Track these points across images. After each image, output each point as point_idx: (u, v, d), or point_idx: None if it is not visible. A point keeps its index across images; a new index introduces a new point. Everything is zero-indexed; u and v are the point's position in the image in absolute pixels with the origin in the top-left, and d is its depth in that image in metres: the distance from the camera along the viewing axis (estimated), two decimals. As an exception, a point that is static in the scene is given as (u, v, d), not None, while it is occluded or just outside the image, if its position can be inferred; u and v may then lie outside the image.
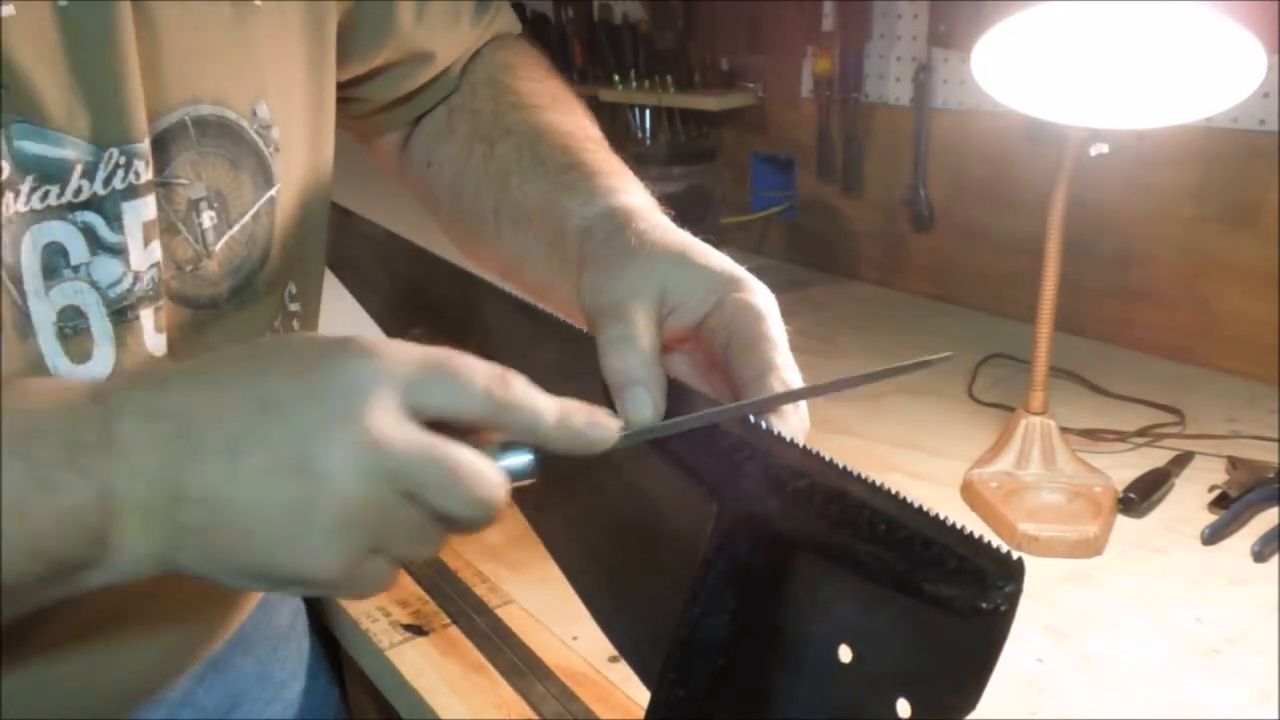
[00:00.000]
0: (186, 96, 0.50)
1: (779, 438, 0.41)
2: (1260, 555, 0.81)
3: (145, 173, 0.48)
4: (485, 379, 0.39)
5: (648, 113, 1.70)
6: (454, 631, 0.77)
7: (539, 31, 1.90)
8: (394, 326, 0.67)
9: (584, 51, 1.85)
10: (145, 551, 0.37)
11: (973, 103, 1.36)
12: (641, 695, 0.50)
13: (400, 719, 0.76)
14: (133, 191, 0.47)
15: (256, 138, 0.54)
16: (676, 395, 0.45)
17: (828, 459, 0.39)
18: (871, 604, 0.37)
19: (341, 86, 0.64)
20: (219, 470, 0.36)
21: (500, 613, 0.79)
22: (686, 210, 1.71)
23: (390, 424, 0.37)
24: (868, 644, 0.38)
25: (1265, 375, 1.12)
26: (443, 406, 0.38)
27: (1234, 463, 0.93)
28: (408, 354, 0.38)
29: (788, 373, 0.45)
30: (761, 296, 0.47)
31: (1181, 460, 0.95)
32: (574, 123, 0.63)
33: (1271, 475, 0.89)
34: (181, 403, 0.37)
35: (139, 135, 0.47)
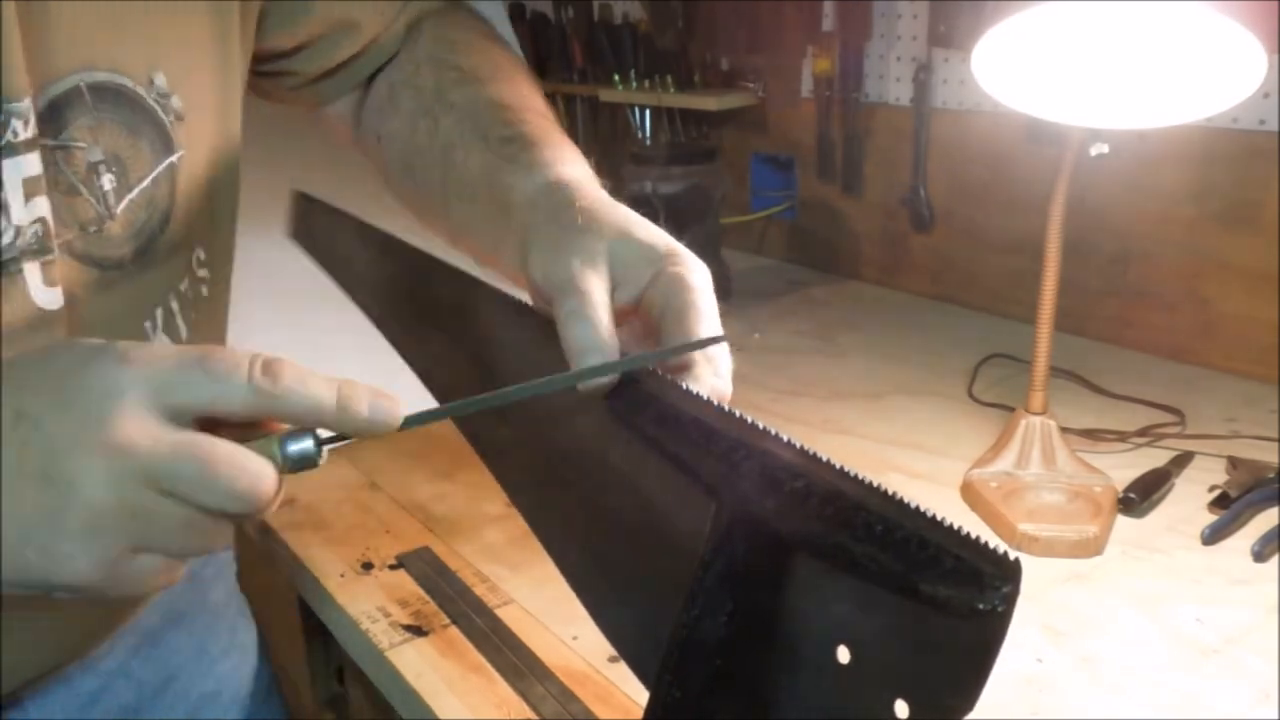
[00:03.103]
0: (79, 63, 0.52)
1: (777, 438, 0.41)
2: (1260, 555, 0.81)
3: (24, 131, 0.50)
4: (248, 371, 0.39)
5: (648, 113, 1.70)
6: (453, 632, 0.77)
7: (539, 31, 1.90)
8: (396, 329, 0.67)
9: (584, 51, 1.85)
10: None
11: (973, 103, 1.36)
12: (641, 695, 0.50)
13: (400, 719, 0.76)
14: (11, 149, 0.49)
15: (155, 105, 0.56)
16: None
17: (825, 459, 0.39)
18: (869, 605, 0.37)
19: (273, 59, 0.67)
20: None
21: (500, 613, 0.79)
22: (686, 210, 1.72)
23: (138, 428, 0.38)
24: (865, 645, 0.38)
25: (1265, 375, 1.12)
26: (206, 403, 0.39)
27: (1234, 463, 0.93)
28: (165, 355, 0.39)
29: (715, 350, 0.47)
30: (695, 270, 0.49)
31: (1181, 460, 0.95)
32: (515, 94, 0.65)
33: (1271, 475, 0.89)
34: None
35: (16, 94, 0.49)
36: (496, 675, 0.72)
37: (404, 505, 0.96)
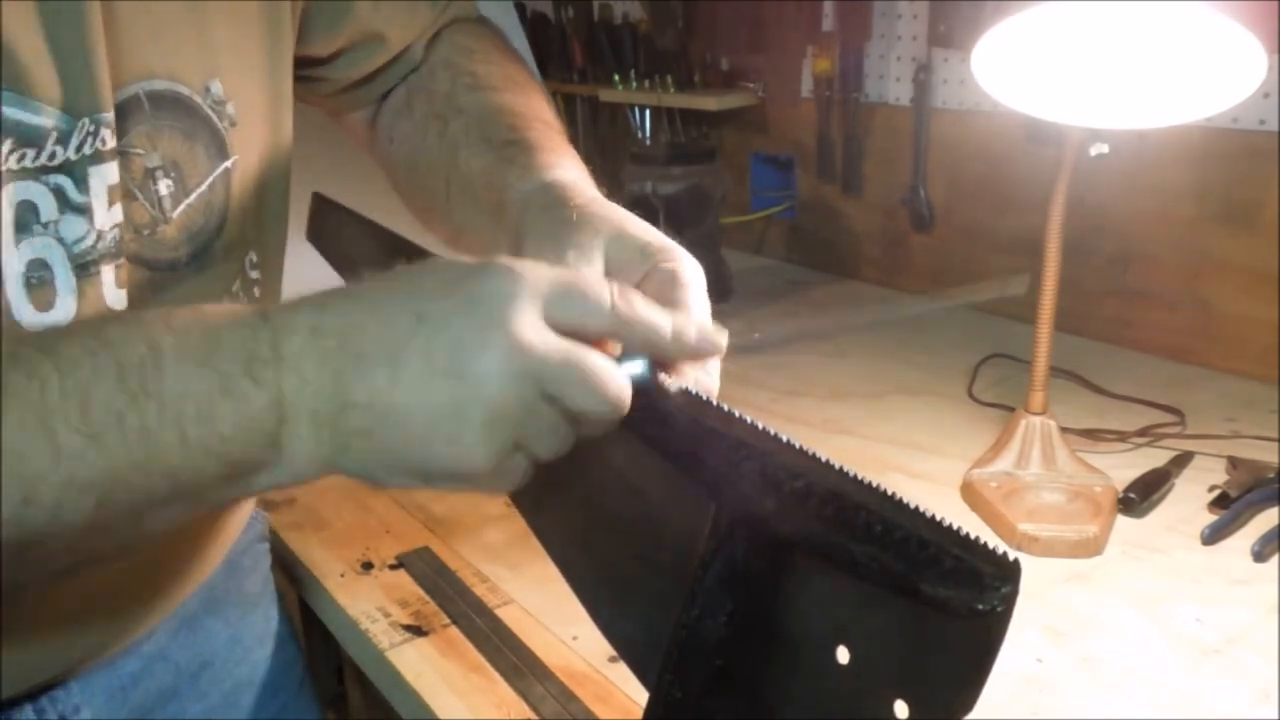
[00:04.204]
0: (141, 71, 0.54)
1: (776, 438, 0.41)
2: (1260, 555, 0.81)
3: (110, 140, 0.52)
4: (612, 297, 0.43)
5: (648, 113, 1.70)
6: (454, 632, 0.77)
7: (539, 31, 1.90)
8: None
9: (584, 51, 1.85)
10: (313, 454, 0.41)
11: (973, 103, 1.36)
12: (641, 695, 0.50)
13: (400, 719, 0.76)
14: (99, 157, 0.52)
15: (210, 113, 0.58)
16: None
17: (825, 459, 0.39)
18: (869, 605, 0.37)
19: (307, 65, 0.68)
20: (381, 378, 0.40)
21: (500, 613, 0.79)
22: (686, 210, 1.71)
23: (533, 331, 0.40)
24: (865, 645, 0.38)
25: (1265, 375, 1.12)
26: (575, 320, 0.42)
27: (1234, 463, 0.93)
28: (544, 272, 0.42)
29: None
30: (687, 266, 0.51)
31: (1181, 460, 0.95)
32: (524, 103, 0.67)
33: (1271, 475, 0.89)
34: (342, 320, 0.41)
35: (106, 105, 0.51)
36: (496, 675, 0.72)
37: (404, 505, 0.96)
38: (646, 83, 1.72)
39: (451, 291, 0.41)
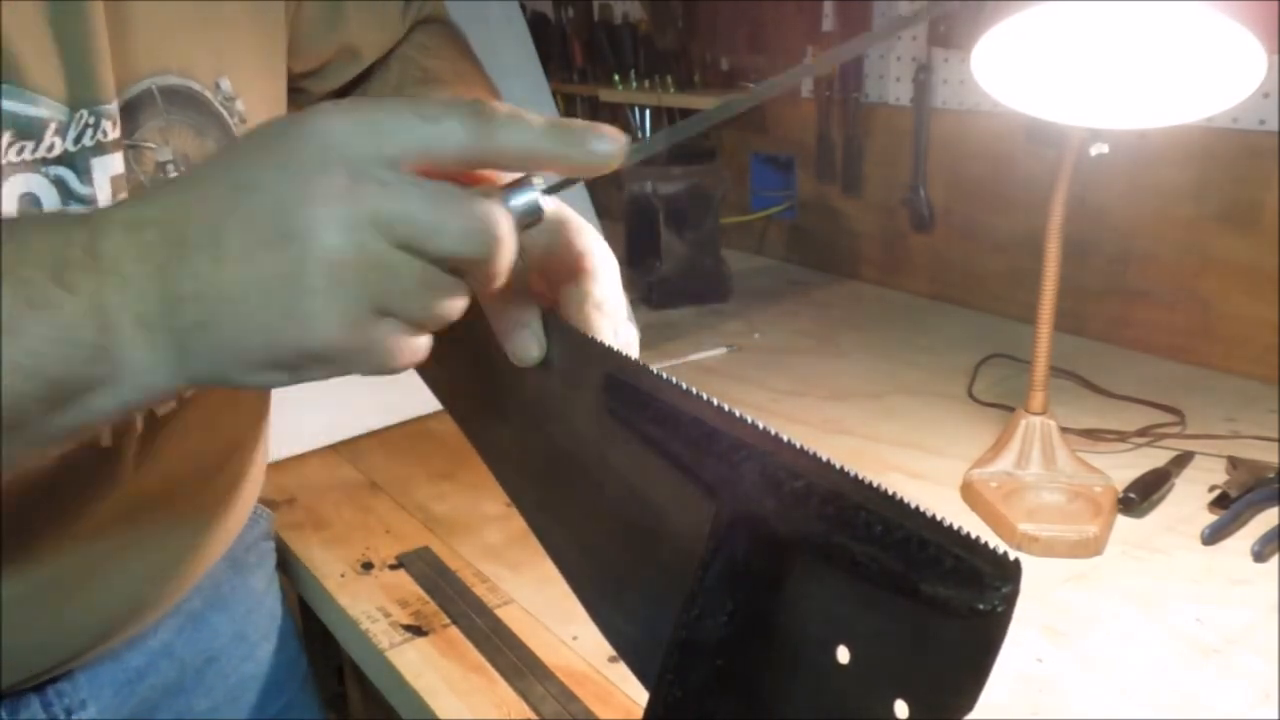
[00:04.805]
0: (155, 67, 0.55)
1: (776, 438, 0.41)
2: (1260, 555, 0.81)
3: (112, 131, 0.52)
4: (461, 108, 0.37)
5: (648, 113, 1.71)
6: (454, 632, 0.77)
7: (539, 31, 1.90)
8: None
9: (584, 51, 1.86)
10: (153, 362, 0.37)
11: (973, 103, 1.36)
12: (641, 695, 0.50)
13: (400, 719, 0.76)
14: (101, 149, 0.52)
15: (221, 109, 0.58)
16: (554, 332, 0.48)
17: (825, 459, 0.39)
18: (869, 605, 0.37)
19: (293, 79, 0.69)
20: (204, 262, 0.36)
21: (500, 613, 0.79)
22: (686, 210, 1.71)
23: (364, 170, 0.36)
24: (865, 645, 0.38)
25: (1265, 375, 1.12)
26: (422, 147, 0.37)
27: (1234, 463, 0.93)
28: (373, 105, 0.37)
29: (608, 303, 0.48)
30: (585, 234, 0.49)
31: (1181, 460, 0.95)
32: (465, 92, 0.68)
33: (1271, 475, 0.89)
34: (161, 208, 0.37)
35: (107, 97, 0.51)
36: (496, 675, 0.72)
37: (404, 505, 0.96)
38: (646, 83, 1.72)
39: (270, 150, 0.37)
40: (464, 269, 0.38)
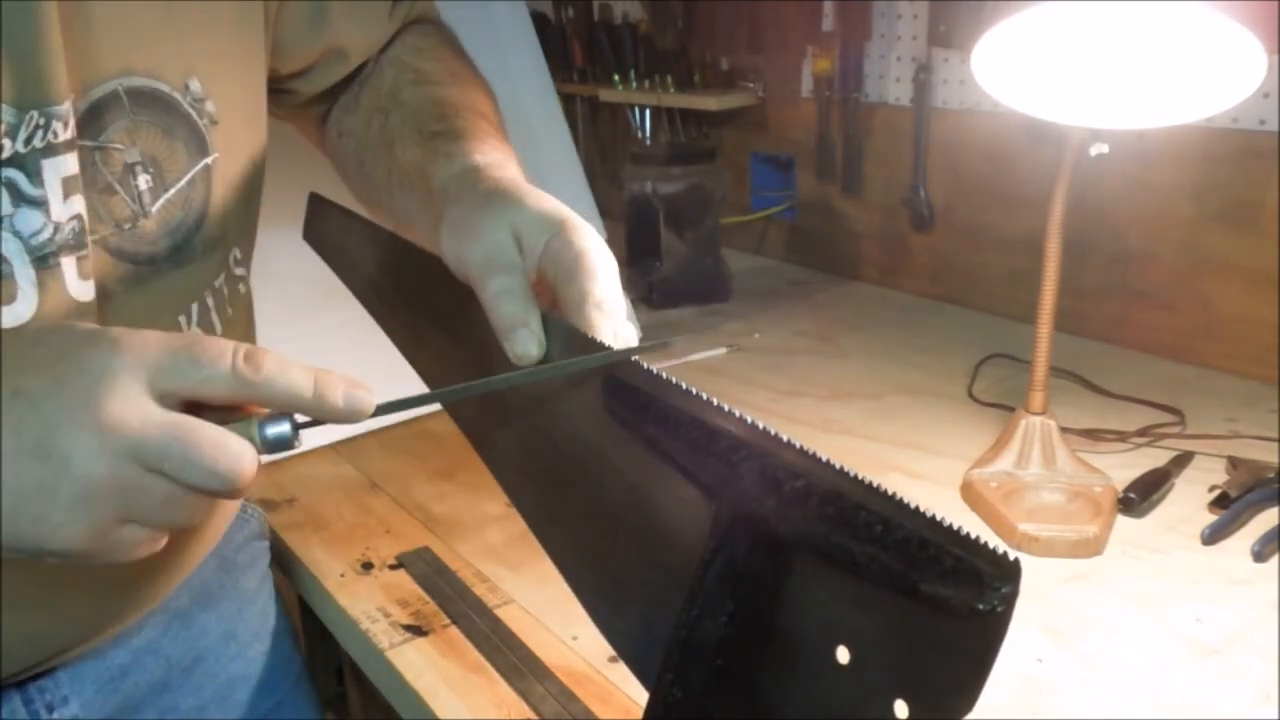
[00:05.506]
0: (120, 68, 0.55)
1: (776, 438, 0.41)
2: (1260, 555, 0.81)
3: (64, 133, 0.52)
4: (232, 360, 0.42)
5: (648, 113, 1.70)
6: (454, 632, 0.77)
7: (539, 32, 1.90)
8: (398, 327, 0.67)
9: (584, 51, 1.86)
10: None
11: (973, 103, 1.36)
12: (641, 695, 0.50)
13: (400, 719, 0.76)
14: (51, 150, 0.52)
15: (190, 110, 0.59)
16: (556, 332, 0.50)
17: (825, 459, 0.39)
18: (869, 605, 0.37)
19: (274, 80, 0.70)
20: None
21: (500, 613, 0.79)
22: (686, 210, 1.71)
23: (129, 407, 0.40)
24: (865, 645, 0.38)
25: (1265, 375, 1.12)
26: (192, 388, 0.42)
27: (1234, 463, 0.93)
28: (155, 341, 0.42)
29: (607, 302, 0.49)
30: (584, 234, 0.51)
31: (1181, 460, 0.95)
32: (461, 95, 0.68)
33: (1271, 475, 0.89)
34: None
35: (58, 98, 0.51)
36: (496, 675, 0.72)
37: (404, 505, 0.96)
38: (646, 83, 1.72)
39: (51, 367, 0.41)
40: (206, 493, 0.42)
